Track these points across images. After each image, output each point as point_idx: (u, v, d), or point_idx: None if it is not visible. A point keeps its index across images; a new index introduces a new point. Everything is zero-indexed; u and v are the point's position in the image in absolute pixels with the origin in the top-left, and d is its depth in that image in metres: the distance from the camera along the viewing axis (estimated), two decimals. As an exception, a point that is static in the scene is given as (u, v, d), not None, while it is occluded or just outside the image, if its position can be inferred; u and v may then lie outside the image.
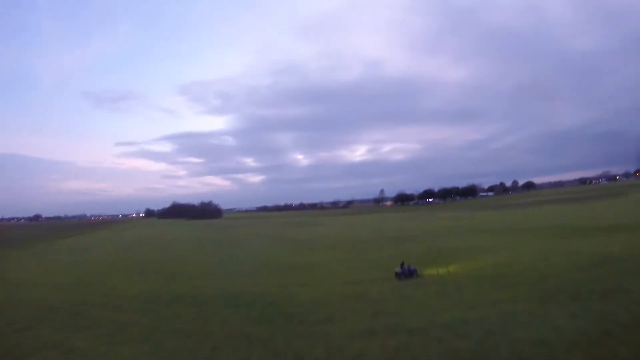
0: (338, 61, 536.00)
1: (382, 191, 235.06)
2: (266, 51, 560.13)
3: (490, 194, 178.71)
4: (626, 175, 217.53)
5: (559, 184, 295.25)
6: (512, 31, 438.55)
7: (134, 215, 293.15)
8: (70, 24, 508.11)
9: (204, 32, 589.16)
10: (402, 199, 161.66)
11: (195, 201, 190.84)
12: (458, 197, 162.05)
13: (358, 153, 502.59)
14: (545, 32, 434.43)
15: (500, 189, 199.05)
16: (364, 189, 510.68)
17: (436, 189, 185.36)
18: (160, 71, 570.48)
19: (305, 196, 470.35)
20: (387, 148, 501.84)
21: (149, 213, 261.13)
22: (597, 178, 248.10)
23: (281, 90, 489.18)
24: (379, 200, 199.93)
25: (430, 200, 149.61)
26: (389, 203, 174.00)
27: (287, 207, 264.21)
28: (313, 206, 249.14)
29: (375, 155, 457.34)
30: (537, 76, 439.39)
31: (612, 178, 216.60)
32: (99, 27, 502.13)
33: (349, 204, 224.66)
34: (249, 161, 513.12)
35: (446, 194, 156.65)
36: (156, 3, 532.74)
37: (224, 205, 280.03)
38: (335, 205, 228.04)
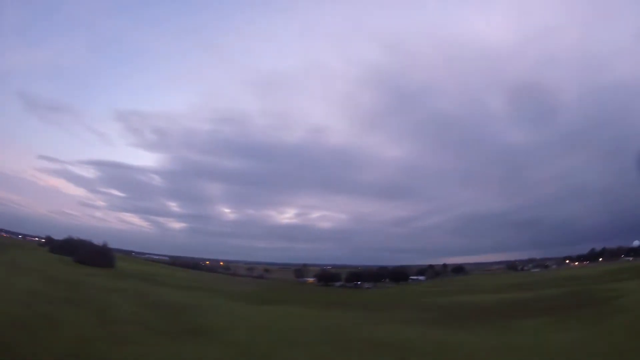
0: (282, 121, 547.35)
1: (304, 266, 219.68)
2: (213, 96, 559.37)
3: (421, 278, 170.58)
4: (557, 262, 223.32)
5: (486, 266, 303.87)
6: (451, 119, 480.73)
7: (35, 238, 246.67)
8: (29, 21, 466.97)
9: (154, 63, 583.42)
10: (326, 278, 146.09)
11: (102, 238, 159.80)
12: (388, 280, 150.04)
13: (286, 216, 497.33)
14: (481, 123, 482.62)
15: (431, 273, 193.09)
16: (286, 253, 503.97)
17: (361, 263, 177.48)
18: (102, 92, 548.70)
19: (225, 252, 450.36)
20: (316, 214, 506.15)
21: (49, 241, 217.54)
22: (526, 262, 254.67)
23: (220, 139, 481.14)
24: (301, 273, 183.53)
25: (359, 283, 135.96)
26: (311, 280, 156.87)
27: (196, 265, 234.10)
28: (226, 269, 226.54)
29: (303, 220, 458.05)
30: (469, 163, 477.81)
31: (542, 265, 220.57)
32: (56, 31, 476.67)
33: (266, 272, 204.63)
34: (173, 205, 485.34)
35: (376, 277, 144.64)
36: (116, 24, 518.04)
37: (136, 248, 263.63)
38: (250, 271, 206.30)
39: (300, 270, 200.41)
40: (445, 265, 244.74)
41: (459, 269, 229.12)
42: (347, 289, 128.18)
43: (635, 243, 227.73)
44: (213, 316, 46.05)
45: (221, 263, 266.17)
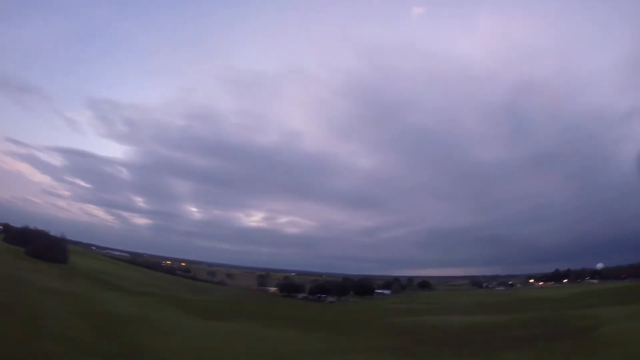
0: (257, 123, 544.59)
1: (267, 274, 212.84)
2: (189, 91, 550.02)
3: (387, 292, 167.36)
4: (522, 281, 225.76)
5: (450, 280, 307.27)
6: (426, 134, 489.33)
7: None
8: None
9: (132, 53, 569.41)
10: (289, 289, 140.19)
11: (62, 229, 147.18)
12: (353, 293, 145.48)
13: (254, 219, 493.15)
14: (454, 140, 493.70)
15: (397, 287, 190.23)
16: (251, 256, 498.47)
17: (326, 271, 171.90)
18: (76, 78, 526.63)
19: (189, 252, 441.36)
20: (283, 219, 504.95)
21: (6, 229, 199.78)
22: (490, 279, 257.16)
23: (193, 135, 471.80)
24: (263, 281, 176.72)
25: (323, 296, 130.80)
26: (273, 289, 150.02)
27: (155, 265, 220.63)
28: (186, 271, 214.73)
29: (271, 224, 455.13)
30: (439, 178, 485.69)
31: (506, 283, 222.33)
32: (36, 14, 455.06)
33: (228, 277, 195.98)
34: (139, 201, 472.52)
35: (341, 290, 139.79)
36: (97, 12, 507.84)
37: (97, 242, 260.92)
38: (211, 276, 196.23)
39: (263, 278, 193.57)
40: (410, 280, 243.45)
41: (424, 284, 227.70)
42: (310, 302, 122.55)
43: (599, 265, 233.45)
44: (158, 335, 40.03)
45: (183, 264, 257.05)
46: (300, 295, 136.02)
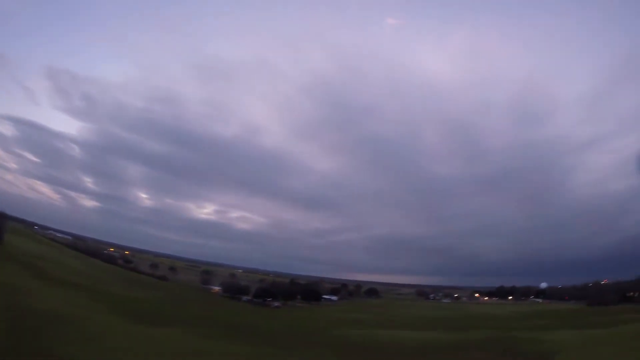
0: (219, 112, 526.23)
1: (210, 272, 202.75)
2: (152, 72, 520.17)
3: (334, 298, 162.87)
4: (467, 295, 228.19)
5: (396, 288, 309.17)
6: (386, 143, 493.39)
7: None
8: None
9: (98, 25, 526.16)
10: (234, 291, 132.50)
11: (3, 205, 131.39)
12: (299, 297, 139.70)
13: (205, 211, 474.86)
14: (413, 152, 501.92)
15: (344, 294, 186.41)
16: (199, 249, 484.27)
17: (273, 269, 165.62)
18: (36, 45, 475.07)
19: (135, 239, 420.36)
20: (235, 214, 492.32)
21: None
22: (436, 290, 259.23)
23: (151, 118, 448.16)
24: (207, 279, 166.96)
25: (269, 299, 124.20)
26: (216, 289, 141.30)
27: (96, 252, 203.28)
28: (128, 262, 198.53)
29: (222, 218, 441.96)
30: (394, 186, 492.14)
31: (451, 295, 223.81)
32: None
33: (171, 271, 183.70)
34: (89, 181, 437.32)
35: (287, 294, 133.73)
36: None
37: (41, 221, 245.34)
38: (153, 269, 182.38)
39: (207, 275, 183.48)
40: (358, 286, 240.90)
41: (372, 292, 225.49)
42: (254, 306, 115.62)
43: (543, 285, 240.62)
44: (79, 343, 32.86)
45: (127, 252, 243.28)
46: (245, 297, 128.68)
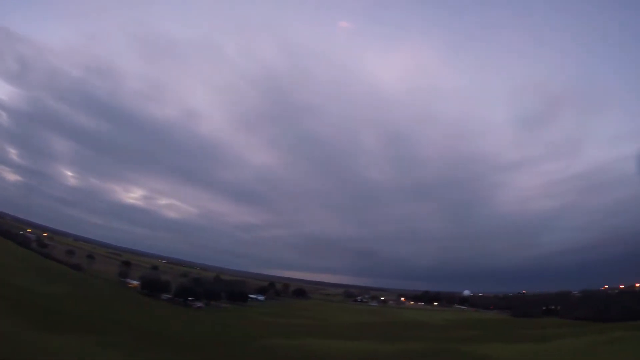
0: (158, 93, 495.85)
1: (130, 263, 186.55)
2: (94, 40, 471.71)
3: (261, 297, 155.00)
4: (394, 298, 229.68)
5: (323, 287, 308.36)
6: (325, 143, 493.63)
7: None
8: None
9: None
10: (153, 287, 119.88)
11: None
12: (224, 297, 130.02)
13: (132, 195, 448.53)
14: (350, 155, 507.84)
15: (272, 293, 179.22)
16: (123, 235, 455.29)
17: (199, 261, 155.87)
18: None
19: (56, 220, 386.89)
20: (164, 201, 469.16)
21: None
22: (363, 292, 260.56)
23: (86, 90, 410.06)
24: (126, 270, 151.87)
25: (191, 299, 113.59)
26: (135, 283, 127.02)
27: (7, 232, 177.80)
28: (42, 246, 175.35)
29: (149, 204, 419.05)
30: (328, 186, 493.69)
31: (378, 297, 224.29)
32: None
33: (88, 260, 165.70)
34: (13, 153, 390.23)
35: (211, 294, 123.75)
36: None
37: None
38: (70, 256, 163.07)
39: (127, 266, 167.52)
40: (286, 285, 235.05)
41: (299, 292, 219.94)
42: (174, 306, 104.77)
43: (466, 292, 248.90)
44: None
45: (45, 234, 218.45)
46: (165, 296, 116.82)
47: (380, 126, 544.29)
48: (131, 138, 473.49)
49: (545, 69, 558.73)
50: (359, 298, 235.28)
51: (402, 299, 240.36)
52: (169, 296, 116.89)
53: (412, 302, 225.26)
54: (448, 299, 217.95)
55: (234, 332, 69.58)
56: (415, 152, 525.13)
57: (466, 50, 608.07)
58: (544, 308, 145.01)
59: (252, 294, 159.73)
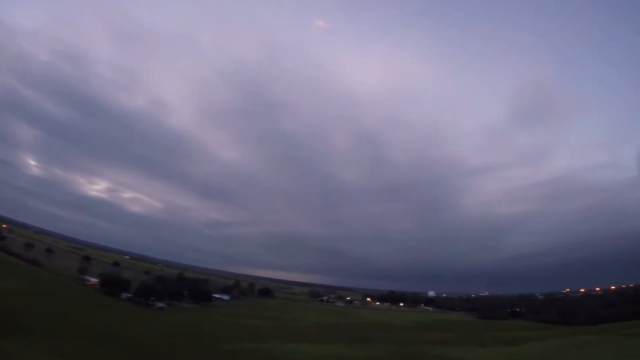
0: (128, 82, 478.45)
1: (89, 260, 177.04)
2: (66, 24, 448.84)
3: (225, 297, 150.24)
4: (360, 298, 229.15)
5: (289, 285, 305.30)
6: (295, 141, 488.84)
7: None
8: None
9: None
10: (113, 285, 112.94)
11: None
12: (187, 297, 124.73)
13: (96, 187, 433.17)
14: (321, 154, 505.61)
15: (237, 293, 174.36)
16: (86, 229, 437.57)
17: (163, 257, 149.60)
18: None
19: (18, 211, 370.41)
20: (128, 195, 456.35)
21: None
22: (329, 291, 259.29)
23: (55, 77, 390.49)
24: (85, 266, 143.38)
25: (152, 299, 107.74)
26: (93, 281, 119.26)
27: None
28: (1, 237, 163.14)
29: (113, 197, 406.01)
30: (297, 185, 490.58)
31: (344, 298, 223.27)
32: None
33: (47, 254, 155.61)
34: None
35: (173, 294, 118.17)
36: None
37: None
38: (28, 250, 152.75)
39: (86, 261, 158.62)
40: (252, 285, 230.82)
41: (265, 291, 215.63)
42: (134, 306, 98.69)
43: (431, 293, 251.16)
44: None
45: (5, 225, 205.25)
46: (125, 295, 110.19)
47: (352, 126, 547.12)
48: (98, 127, 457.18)
49: (519, 77, 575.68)
50: (325, 298, 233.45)
51: (368, 299, 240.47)
52: (129, 295, 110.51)
53: (378, 303, 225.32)
54: (414, 300, 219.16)
55: (198, 335, 65.17)
56: (386, 153, 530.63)
57: (441, 55, 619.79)
58: (509, 310, 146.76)
59: (216, 293, 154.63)
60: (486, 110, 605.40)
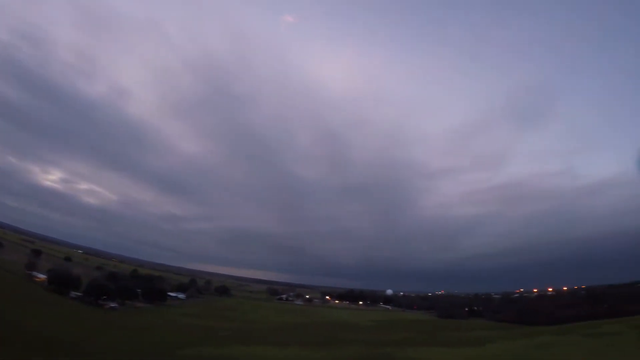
0: (89, 67, 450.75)
1: (38, 254, 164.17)
2: (29, 2, 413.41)
3: (181, 296, 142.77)
4: (319, 297, 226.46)
5: (246, 283, 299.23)
6: (257, 137, 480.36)
7: None
8: None
9: None
10: (62, 282, 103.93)
11: None
12: (141, 296, 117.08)
13: (50, 177, 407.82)
14: (282, 151, 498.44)
15: (193, 291, 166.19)
16: (39, 220, 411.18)
17: (118, 252, 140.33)
18: None
19: None
20: (84, 186, 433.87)
21: None
22: (287, 289, 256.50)
23: (12, 57, 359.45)
24: (34, 261, 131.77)
25: (103, 298, 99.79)
26: (42, 277, 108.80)
27: None
28: None
29: (68, 188, 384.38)
30: (257, 181, 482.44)
31: (303, 296, 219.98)
32: None
33: None
34: None
35: (126, 293, 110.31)
36: None
37: None
38: None
39: (36, 255, 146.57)
40: (209, 283, 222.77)
41: (222, 290, 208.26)
42: (83, 306, 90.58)
43: (388, 291, 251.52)
44: None
45: None
46: (74, 293, 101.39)
47: (316, 124, 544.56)
48: (54, 113, 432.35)
49: (484, 85, 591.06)
50: (284, 296, 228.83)
51: (327, 297, 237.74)
52: (78, 294, 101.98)
53: (337, 301, 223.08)
54: (373, 299, 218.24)
55: (151, 339, 59.23)
56: (348, 153, 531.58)
57: (409, 59, 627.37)
58: (467, 309, 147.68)
59: (172, 291, 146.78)
60: (450, 115, 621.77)
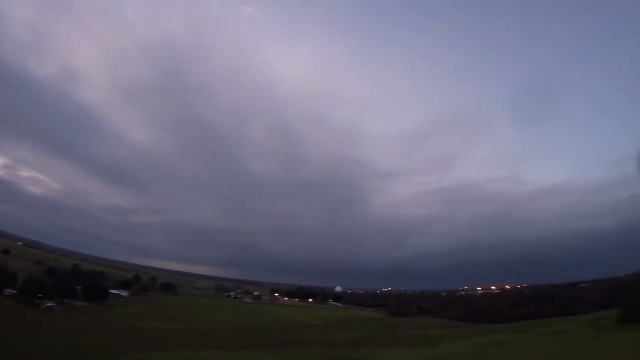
0: (40, 45, 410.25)
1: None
2: None
3: (124, 293, 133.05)
4: (269, 295, 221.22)
5: (193, 279, 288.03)
6: (211, 129, 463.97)
7: None
8: None
9: None
10: None
11: None
12: (81, 294, 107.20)
13: None
14: (235, 144, 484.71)
15: (137, 288, 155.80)
16: None
17: (60, 245, 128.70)
18: None
19: None
20: (26, 173, 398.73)
21: None
22: (235, 286, 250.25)
23: None
24: None
25: (40, 296, 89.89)
26: None
27: None
28: None
29: (9, 175, 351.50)
30: (207, 175, 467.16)
31: (252, 294, 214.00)
32: None
33: None
34: None
35: (65, 291, 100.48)
36: None
37: None
38: None
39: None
40: (153, 279, 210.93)
41: (168, 286, 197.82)
42: (18, 305, 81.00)
43: (338, 288, 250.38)
44: None
45: None
46: (8, 291, 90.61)
47: (270, 119, 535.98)
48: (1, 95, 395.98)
49: (440, 88, 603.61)
50: (232, 294, 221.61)
51: (276, 294, 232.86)
52: (13, 292, 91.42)
53: (286, 299, 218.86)
54: (322, 296, 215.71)
55: (90, 344, 52.40)
56: (302, 150, 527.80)
57: (367, 59, 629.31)
58: (415, 306, 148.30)
59: (114, 288, 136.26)
60: (404, 117, 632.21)
